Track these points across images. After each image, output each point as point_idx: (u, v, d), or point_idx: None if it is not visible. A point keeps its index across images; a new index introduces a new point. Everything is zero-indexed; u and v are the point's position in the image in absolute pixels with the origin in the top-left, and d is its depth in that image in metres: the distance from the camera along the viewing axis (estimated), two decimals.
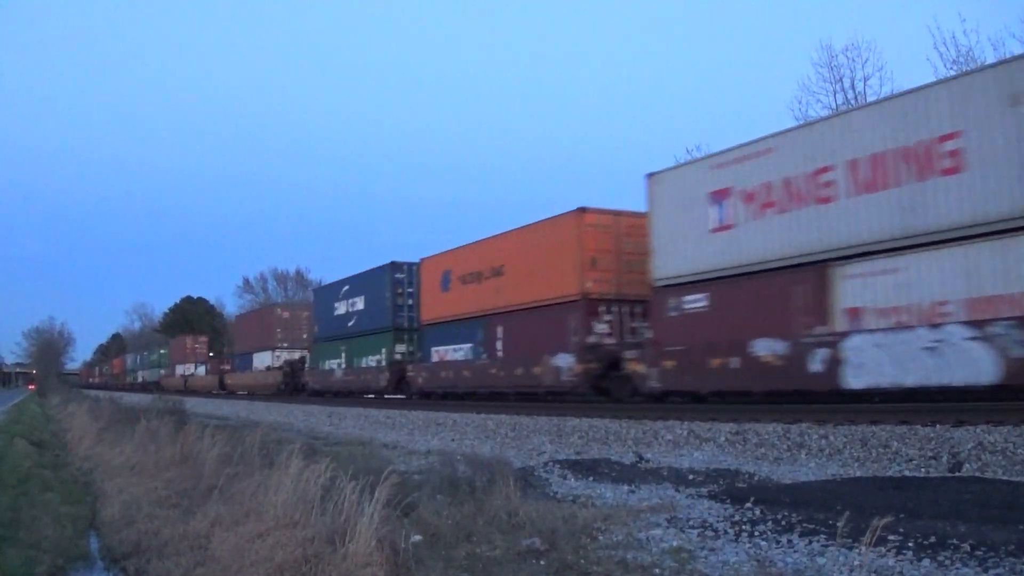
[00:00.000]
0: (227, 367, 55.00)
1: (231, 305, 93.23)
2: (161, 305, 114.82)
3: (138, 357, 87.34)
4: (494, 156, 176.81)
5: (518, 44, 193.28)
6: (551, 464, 11.19)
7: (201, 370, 62.76)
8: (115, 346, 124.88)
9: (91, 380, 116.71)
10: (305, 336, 41.43)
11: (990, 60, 22.77)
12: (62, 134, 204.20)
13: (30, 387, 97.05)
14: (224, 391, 52.10)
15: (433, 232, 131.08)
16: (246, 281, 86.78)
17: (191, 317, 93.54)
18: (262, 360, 44.63)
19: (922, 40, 52.02)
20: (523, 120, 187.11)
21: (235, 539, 7.12)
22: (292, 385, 39.97)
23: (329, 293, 35.25)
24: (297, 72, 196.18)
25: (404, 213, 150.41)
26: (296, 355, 41.49)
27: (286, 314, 44.75)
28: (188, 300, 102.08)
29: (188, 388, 60.57)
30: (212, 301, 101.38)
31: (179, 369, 66.67)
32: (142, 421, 16.75)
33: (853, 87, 28.46)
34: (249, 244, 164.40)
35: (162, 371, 72.19)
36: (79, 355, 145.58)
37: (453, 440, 16.76)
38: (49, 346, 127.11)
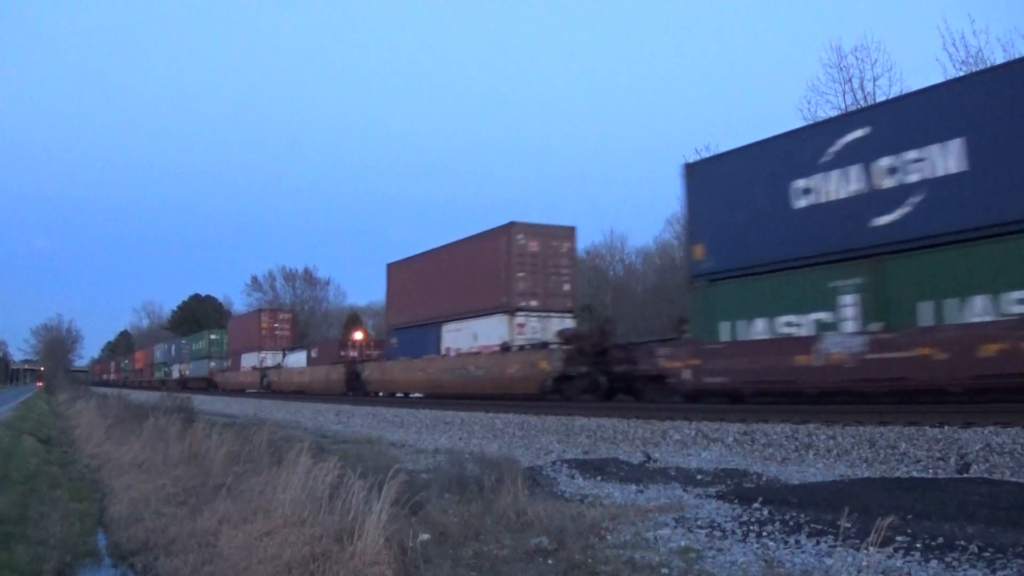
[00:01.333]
0: (354, 353, 36.88)
1: (239, 303, 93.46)
2: (169, 303, 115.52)
3: (173, 346, 67.88)
4: (497, 156, 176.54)
5: (523, 43, 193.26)
6: (559, 463, 11.19)
7: (295, 359, 41.73)
8: (123, 343, 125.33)
9: (105, 377, 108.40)
10: (567, 286, 23.94)
11: (1000, 60, 22.67)
12: (70, 132, 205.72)
13: (38, 384, 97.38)
14: (358, 393, 31.81)
15: (438, 232, 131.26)
16: (254, 279, 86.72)
17: (199, 315, 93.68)
18: (474, 334, 24.47)
19: (932, 41, 51.78)
20: (526, 120, 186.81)
21: (243, 537, 7.12)
22: (591, 380, 20.38)
23: (759, 158, 15.38)
24: (305, 72, 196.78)
25: (407, 213, 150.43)
26: (559, 323, 22.86)
27: (534, 244, 23.58)
28: (196, 298, 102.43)
29: (272, 389, 42.16)
30: (220, 299, 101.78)
31: (247, 359, 47.95)
32: (150, 419, 16.81)
33: (862, 87, 28.45)
34: (257, 243, 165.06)
35: (212, 363, 54.94)
36: (87, 352, 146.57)
37: (461, 439, 16.76)
38: (57, 343, 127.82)
